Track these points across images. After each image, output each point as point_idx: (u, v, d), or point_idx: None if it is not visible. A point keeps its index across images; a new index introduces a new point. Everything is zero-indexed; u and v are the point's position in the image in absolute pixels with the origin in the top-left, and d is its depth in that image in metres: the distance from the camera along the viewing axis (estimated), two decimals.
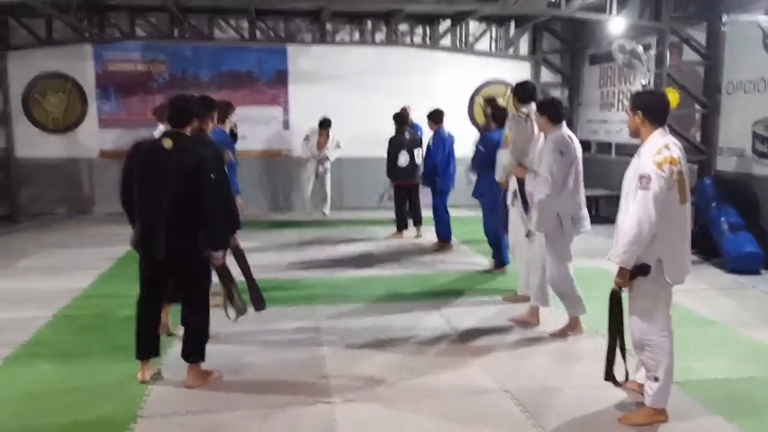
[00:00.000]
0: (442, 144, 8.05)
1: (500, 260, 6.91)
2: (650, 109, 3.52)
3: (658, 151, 3.37)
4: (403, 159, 8.56)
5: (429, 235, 8.66)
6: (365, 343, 4.84)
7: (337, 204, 11.19)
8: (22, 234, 9.28)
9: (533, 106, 5.62)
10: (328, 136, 10.46)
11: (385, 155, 8.80)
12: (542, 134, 5.03)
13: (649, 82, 8.14)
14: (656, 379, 3.55)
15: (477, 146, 6.86)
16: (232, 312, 4.33)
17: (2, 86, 10.42)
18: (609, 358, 3.70)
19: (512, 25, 11.52)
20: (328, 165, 10.57)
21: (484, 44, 11.63)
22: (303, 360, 4.51)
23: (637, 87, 9.79)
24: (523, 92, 5.79)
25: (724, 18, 6.68)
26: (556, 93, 11.93)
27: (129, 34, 10.74)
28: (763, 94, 7.37)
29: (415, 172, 8.68)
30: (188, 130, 4.02)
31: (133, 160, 3.95)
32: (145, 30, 10.85)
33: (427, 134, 8.57)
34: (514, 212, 5.76)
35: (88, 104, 10.89)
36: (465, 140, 9.19)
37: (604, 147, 10.90)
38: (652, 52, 7.99)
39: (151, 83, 11.04)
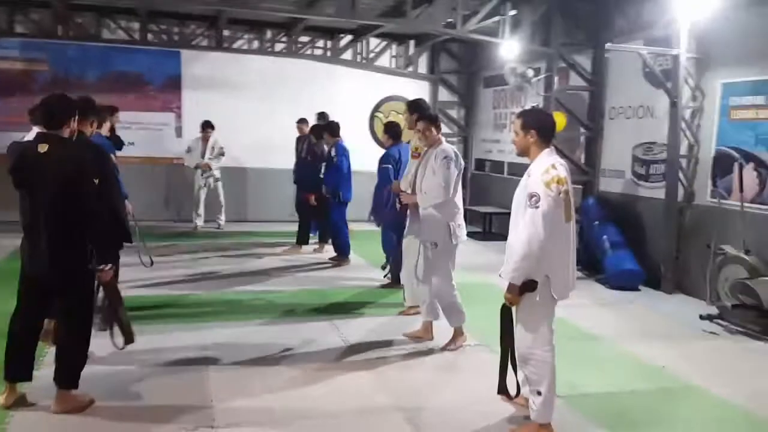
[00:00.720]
0: (346, 155, 7.98)
1: (397, 276, 6.89)
2: (543, 128, 3.59)
3: (546, 170, 3.44)
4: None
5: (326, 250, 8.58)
6: (254, 363, 4.64)
7: (240, 216, 10.89)
8: None
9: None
10: (207, 141, 10.14)
11: (288, 166, 8.72)
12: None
13: (538, 105, 8.46)
14: (539, 393, 3.60)
15: (381, 165, 6.81)
16: (119, 338, 3.99)
17: None
18: (501, 372, 3.73)
19: (412, 43, 11.70)
20: (217, 174, 10.23)
21: (384, 61, 11.72)
22: (186, 383, 4.25)
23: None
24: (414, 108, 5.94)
25: (607, 45, 7.07)
26: (453, 112, 12.23)
27: (7, 31, 9.95)
28: (643, 120, 7.87)
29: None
30: (66, 132, 3.70)
31: (10, 167, 3.60)
32: (25, 27, 10.10)
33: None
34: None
35: None
36: (366, 153, 9.21)
37: (497, 166, 11.26)
38: (542, 76, 8.32)
39: (30, 84, 10.28)
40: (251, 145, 10.92)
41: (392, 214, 6.60)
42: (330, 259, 8.19)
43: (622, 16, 8.06)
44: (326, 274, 7.60)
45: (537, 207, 3.37)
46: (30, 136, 6.51)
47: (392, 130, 6.99)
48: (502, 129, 11.09)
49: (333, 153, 8.03)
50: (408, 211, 5.34)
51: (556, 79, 8.26)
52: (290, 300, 6.35)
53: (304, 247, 8.87)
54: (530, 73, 7.88)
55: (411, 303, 5.78)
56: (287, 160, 9.54)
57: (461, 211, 5.09)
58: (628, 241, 7.71)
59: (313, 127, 8.93)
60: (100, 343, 4.13)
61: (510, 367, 3.74)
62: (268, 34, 11.10)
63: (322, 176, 8.38)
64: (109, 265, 3.73)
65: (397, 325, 5.61)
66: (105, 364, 4.37)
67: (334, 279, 7.35)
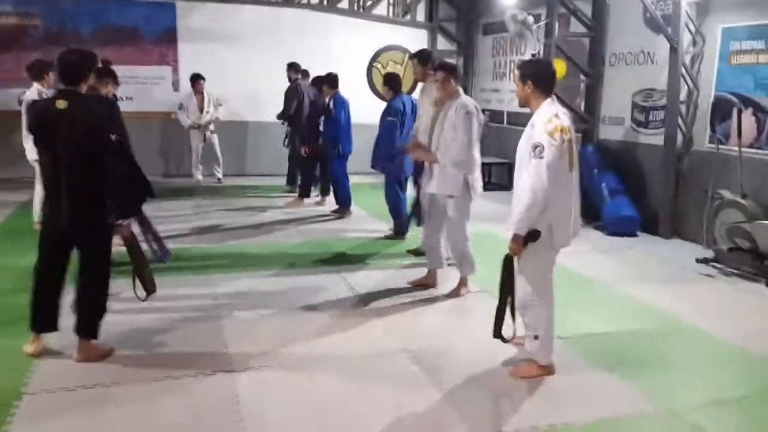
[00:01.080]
0: (344, 108, 7.99)
1: (400, 229, 7.01)
2: (540, 78, 3.60)
3: (549, 120, 3.46)
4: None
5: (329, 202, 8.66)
6: (265, 311, 4.78)
7: (236, 170, 10.93)
8: None
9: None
10: (203, 96, 10.11)
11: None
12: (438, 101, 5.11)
13: (538, 52, 8.43)
14: (536, 338, 3.75)
15: (386, 118, 6.80)
16: (140, 291, 4.11)
17: None
18: (498, 318, 3.82)
19: None
20: (212, 127, 10.23)
21: (381, 9, 11.57)
22: (200, 330, 4.40)
23: (527, 57, 10.13)
24: (426, 58, 5.94)
25: None
26: (452, 61, 12.11)
27: None
28: (643, 66, 7.85)
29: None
30: (83, 88, 3.74)
31: (29, 124, 3.66)
32: None
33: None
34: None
35: None
36: (365, 106, 9.21)
37: (497, 115, 11.24)
38: (542, 22, 8.25)
39: (23, 38, 10.16)
40: (246, 97, 10.86)
41: (397, 167, 6.73)
42: (332, 211, 8.27)
43: None
44: (329, 226, 7.69)
45: (541, 157, 3.41)
46: (31, 92, 6.55)
47: (392, 82, 6.97)
48: (502, 78, 11.04)
49: (331, 105, 8.03)
50: (425, 166, 5.25)
51: (556, 25, 8.18)
52: (296, 251, 6.47)
53: (306, 200, 8.95)
54: (531, 19, 7.81)
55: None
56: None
57: (479, 164, 5.01)
58: (627, 189, 7.81)
59: (315, 78, 8.86)
60: (114, 297, 4.26)
61: (509, 313, 3.82)
62: None
63: (321, 129, 8.43)
64: (128, 221, 3.84)
65: (403, 274, 5.74)
66: (122, 314, 4.49)
67: (337, 231, 7.45)
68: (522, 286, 3.74)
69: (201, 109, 10.10)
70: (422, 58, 6.06)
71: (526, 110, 3.75)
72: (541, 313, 3.72)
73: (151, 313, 4.61)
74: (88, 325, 3.85)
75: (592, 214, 7.95)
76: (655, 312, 5.01)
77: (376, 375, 3.81)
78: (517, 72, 3.69)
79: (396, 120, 6.70)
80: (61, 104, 3.57)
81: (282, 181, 10.07)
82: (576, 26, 8.68)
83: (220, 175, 10.48)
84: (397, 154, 6.64)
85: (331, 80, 8.12)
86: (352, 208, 8.26)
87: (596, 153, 8.29)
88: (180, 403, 3.41)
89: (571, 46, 8.65)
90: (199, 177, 10.39)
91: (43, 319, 3.86)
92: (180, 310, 4.75)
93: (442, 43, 11.95)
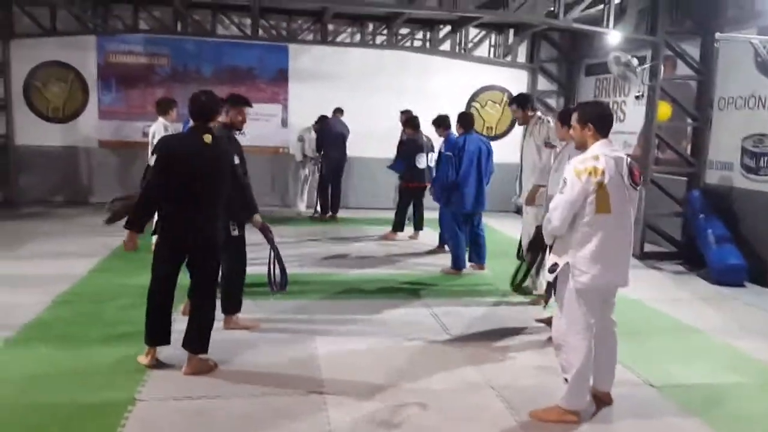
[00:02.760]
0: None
1: (456, 264, 7.10)
2: (599, 121, 3.63)
3: (585, 159, 3.54)
4: (422, 161, 8.69)
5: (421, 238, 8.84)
6: (358, 339, 4.97)
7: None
8: (21, 221, 9.38)
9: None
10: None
11: (385, 155, 9.09)
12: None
13: (642, 94, 8.31)
14: (566, 381, 3.68)
15: (444, 152, 7.22)
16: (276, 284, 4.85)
17: (4, 74, 10.50)
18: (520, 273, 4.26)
19: (511, 32, 11.69)
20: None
21: (482, 51, 11.80)
22: (297, 352, 4.64)
23: (631, 98, 10.00)
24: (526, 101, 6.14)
25: (717, 35, 6.87)
26: (552, 102, 12.13)
27: (132, 27, 10.84)
28: (754, 111, 7.56)
29: (429, 175, 8.82)
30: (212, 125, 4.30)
31: (166, 155, 4.06)
32: (148, 23, 10.95)
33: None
34: (532, 211, 5.85)
35: (89, 95, 11.00)
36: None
37: None
38: (647, 65, 8.15)
39: (152, 76, 11.15)
40: (354, 135, 11.29)
41: (455, 203, 7.02)
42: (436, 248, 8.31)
43: (734, 4, 7.77)
44: (422, 260, 7.84)
45: (562, 192, 3.53)
46: (157, 125, 7.22)
47: (465, 120, 7.25)
48: None
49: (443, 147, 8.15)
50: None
51: (662, 67, 8.05)
52: (388, 282, 6.67)
53: (400, 234, 9.18)
54: (635, 62, 7.73)
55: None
56: (385, 149, 9.87)
57: None
58: (735, 236, 7.48)
59: (410, 117, 9.14)
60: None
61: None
62: (370, 27, 11.44)
63: (420, 166, 8.70)
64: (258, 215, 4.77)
65: (494, 313, 5.79)
66: (224, 331, 4.83)
67: (428, 264, 7.58)
68: (556, 324, 3.74)
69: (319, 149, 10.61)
70: (521, 101, 6.21)
71: (626, 151, 3.76)
72: (574, 356, 3.63)
73: (251, 332, 4.94)
74: (198, 340, 4.19)
75: (695, 261, 7.67)
76: (757, 365, 4.77)
77: (467, 412, 3.86)
78: (575, 114, 3.74)
79: (451, 155, 6.99)
80: (207, 139, 4.10)
81: (379, 214, 10.37)
82: (682, 69, 8.51)
83: (319, 207, 10.90)
84: (453, 189, 6.92)
85: (442, 122, 8.25)
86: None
87: (702, 198, 8.01)
88: (276, 421, 3.62)
89: (677, 88, 8.47)
90: (302, 209, 10.88)
91: (157, 333, 4.23)
92: (278, 331, 5.04)
93: (543, 84, 11.99)
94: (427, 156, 8.73)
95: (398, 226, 9.20)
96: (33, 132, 10.78)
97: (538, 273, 4.14)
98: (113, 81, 11.08)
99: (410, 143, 8.89)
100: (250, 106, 5.07)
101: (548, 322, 5.14)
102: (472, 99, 11.98)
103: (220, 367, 4.28)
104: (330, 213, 10.49)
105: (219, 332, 4.74)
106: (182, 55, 11.16)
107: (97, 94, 11.04)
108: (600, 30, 8.67)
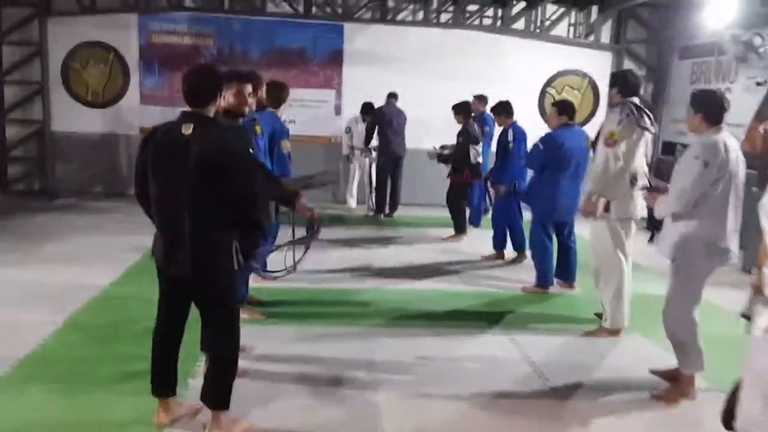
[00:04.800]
0: (524, 140, 7.00)
1: (542, 281, 5.99)
2: (709, 111, 3.70)
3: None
4: (474, 154, 7.61)
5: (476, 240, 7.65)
6: (434, 388, 3.91)
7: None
8: (53, 214, 8.63)
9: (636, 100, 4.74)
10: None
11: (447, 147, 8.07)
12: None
13: (765, 81, 6.95)
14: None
15: (537, 143, 5.96)
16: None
17: (41, 54, 9.79)
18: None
19: (594, 9, 10.35)
20: (374, 155, 9.65)
21: (561, 30, 10.49)
22: (353, 404, 3.64)
23: (739, 85, 8.62)
24: (625, 83, 4.83)
25: None
26: (640, 88, 10.74)
27: (176, 5, 9.99)
28: None
29: (482, 170, 7.85)
30: (211, 111, 3.13)
31: (145, 149, 3.11)
32: (193, 0, 10.08)
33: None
34: (600, 226, 4.75)
35: (130, 77, 10.20)
36: (535, 135, 8.17)
37: None
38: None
39: (197, 58, 10.25)
40: (409, 123, 10.21)
41: (543, 208, 5.91)
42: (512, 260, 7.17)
43: None
44: (494, 273, 6.71)
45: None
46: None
47: (566, 109, 5.98)
48: None
49: (509, 137, 7.03)
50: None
51: None
52: (458, 303, 5.58)
53: (464, 236, 8.10)
54: (758, 40, 6.41)
55: (612, 325, 4.80)
56: (447, 140, 8.67)
57: (727, 228, 3.70)
58: None
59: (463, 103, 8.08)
60: (250, 357, 3.60)
61: None
62: (434, 3, 10.28)
63: (474, 161, 7.68)
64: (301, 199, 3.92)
65: (586, 344, 4.67)
66: (259, 378, 3.85)
67: (503, 279, 6.45)
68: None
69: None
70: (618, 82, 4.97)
71: None
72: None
73: (291, 375, 3.94)
74: (214, 394, 3.19)
75: None
76: None
77: None
78: (690, 101, 3.78)
79: (543, 148, 5.87)
80: (186, 130, 2.99)
81: (439, 213, 9.26)
82: None
83: (372, 204, 9.89)
84: (544, 193, 5.86)
85: (507, 108, 7.18)
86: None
87: None
88: None
89: None
90: (353, 204, 9.89)
91: (160, 381, 3.29)
92: (326, 373, 4.02)
93: (630, 67, 10.59)
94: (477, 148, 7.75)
95: (461, 226, 8.12)
96: (70, 117, 10.04)
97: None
98: (156, 63, 10.23)
99: (463, 133, 7.82)
100: (250, 81, 3.94)
101: (666, 376, 4.06)
102: (548, 84, 10.68)
103: (256, 426, 3.30)
104: (387, 212, 9.45)
105: (252, 375, 3.78)
106: (229, 35, 10.22)
107: (138, 77, 10.22)
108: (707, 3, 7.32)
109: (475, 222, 8.71)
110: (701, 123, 3.73)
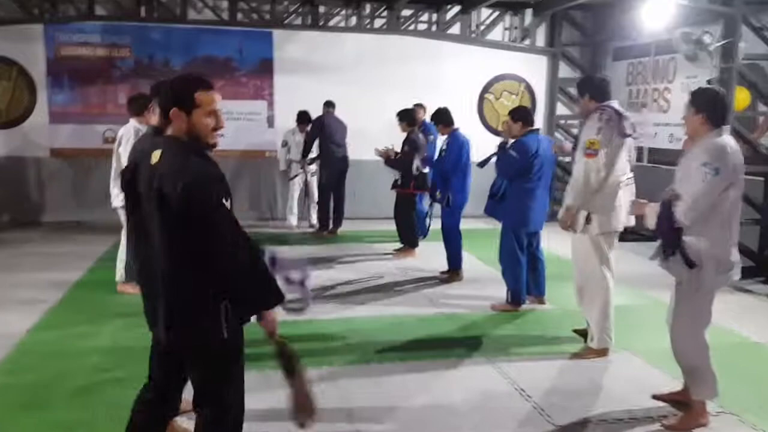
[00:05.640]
0: (465, 149, 6.62)
1: (514, 297, 5.63)
2: (713, 110, 3.40)
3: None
4: (416, 164, 7.22)
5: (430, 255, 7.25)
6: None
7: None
8: None
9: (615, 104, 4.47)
10: (304, 133, 9.04)
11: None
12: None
13: (713, 80, 6.89)
14: None
15: (509, 151, 5.54)
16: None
17: None
18: None
19: (528, 12, 10.22)
20: (313, 167, 9.11)
21: (496, 34, 10.30)
22: None
23: (677, 85, 8.66)
24: (595, 87, 4.55)
25: None
26: (574, 91, 10.69)
27: (87, 14, 9.09)
28: None
29: (427, 180, 7.46)
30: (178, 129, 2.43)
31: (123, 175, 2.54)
32: (106, 8, 9.23)
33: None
34: (582, 240, 4.44)
35: (38, 94, 9.24)
36: (474, 142, 7.84)
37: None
38: (720, 43, 6.73)
39: (112, 71, 9.43)
40: (351, 134, 9.74)
41: (514, 217, 5.47)
42: (441, 273, 6.76)
43: None
44: (460, 291, 6.29)
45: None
46: (126, 129, 5.53)
47: (524, 115, 5.64)
48: (640, 109, 9.50)
49: (444, 146, 6.67)
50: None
51: (741, 46, 6.64)
52: (431, 329, 5.13)
53: (417, 250, 7.69)
54: (707, 39, 6.33)
55: (598, 345, 4.49)
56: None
57: (733, 240, 3.44)
58: None
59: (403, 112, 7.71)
60: None
61: None
62: (368, 8, 9.85)
63: (416, 171, 7.31)
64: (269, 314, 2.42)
65: (584, 370, 4.32)
66: None
67: (471, 298, 6.04)
68: None
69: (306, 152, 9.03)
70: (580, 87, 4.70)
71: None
72: None
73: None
74: None
75: None
76: None
77: None
78: (688, 100, 3.49)
79: (515, 155, 5.44)
80: (155, 157, 2.36)
81: (382, 226, 8.86)
82: (754, 47, 7.10)
83: (314, 221, 9.36)
84: (518, 203, 5.49)
85: (446, 116, 6.80)
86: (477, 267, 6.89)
87: None
88: None
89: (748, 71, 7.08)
90: (294, 222, 9.30)
91: None
92: None
93: (565, 71, 10.54)
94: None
95: (413, 241, 7.70)
96: None
97: None
98: (66, 77, 9.31)
99: (410, 143, 7.40)
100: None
101: (670, 400, 3.82)
102: (485, 90, 10.47)
103: None
104: (331, 228, 8.92)
105: None
106: (147, 44, 9.44)
107: (46, 93, 9.27)
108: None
109: (423, 231, 8.21)
110: (703, 124, 3.43)
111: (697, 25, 7.33)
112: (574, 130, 10.64)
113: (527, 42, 10.29)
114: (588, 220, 4.36)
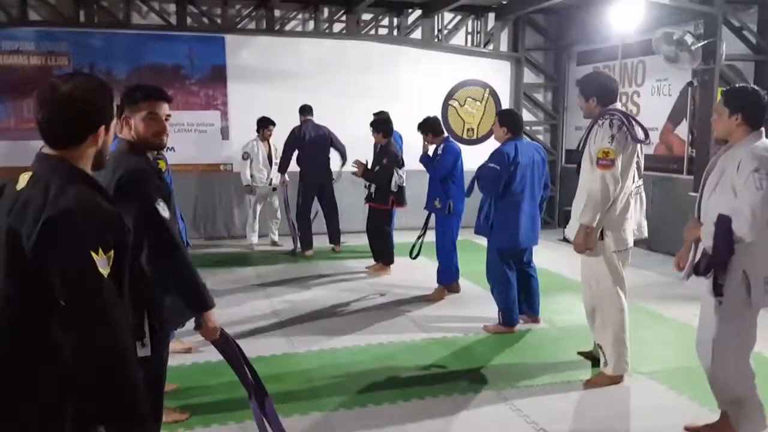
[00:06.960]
0: (459, 158, 6.21)
1: (506, 318, 5.22)
2: (751, 109, 3.08)
3: None
4: (396, 179, 6.78)
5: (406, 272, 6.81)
6: None
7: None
8: None
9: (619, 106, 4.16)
10: (269, 144, 8.47)
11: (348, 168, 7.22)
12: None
13: (691, 82, 6.69)
14: None
15: (488, 164, 5.10)
16: None
17: None
18: None
19: (491, 17, 9.93)
20: (276, 182, 8.52)
21: (459, 39, 9.97)
22: None
23: (646, 89, 8.53)
24: (602, 89, 4.18)
25: None
26: (539, 96, 10.49)
27: (20, 19, 8.30)
28: None
29: (405, 194, 7.05)
30: (83, 154, 1.79)
31: None
32: (40, 13, 8.45)
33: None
34: (595, 260, 4.06)
35: None
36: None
37: None
38: (701, 43, 6.53)
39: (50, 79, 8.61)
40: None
41: (501, 236, 5.07)
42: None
43: None
44: (447, 312, 5.83)
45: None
46: None
47: (512, 120, 5.23)
48: None
49: (439, 153, 6.27)
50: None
51: (723, 46, 6.45)
52: (425, 358, 4.64)
53: (392, 267, 7.22)
54: (689, 39, 6.11)
55: (615, 372, 4.11)
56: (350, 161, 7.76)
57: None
58: None
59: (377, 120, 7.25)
60: None
61: None
62: (326, 12, 9.37)
63: (395, 187, 6.90)
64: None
65: (596, 401, 3.92)
66: None
67: (460, 319, 5.60)
68: None
69: (269, 160, 8.43)
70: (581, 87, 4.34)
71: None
72: None
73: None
74: None
75: None
76: None
77: None
78: (721, 99, 3.19)
79: (495, 167, 5.01)
80: (22, 181, 1.77)
81: (350, 240, 8.40)
82: (733, 48, 6.94)
83: (276, 237, 8.79)
84: (502, 217, 5.09)
85: (435, 126, 6.41)
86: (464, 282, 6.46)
87: None
88: None
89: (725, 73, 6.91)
90: (255, 240, 8.68)
91: None
92: None
93: (529, 76, 10.29)
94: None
95: (390, 257, 7.23)
96: None
97: None
98: None
99: (386, 154, 6.94)
100: (166, 99, 2.76)
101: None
102: (450, 96, 10.10)
103: None
104: (300, 248, 8.25)
105: None
106: (88, 51, 8.67)
107: None
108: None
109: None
110: (740, 126, 3.08)
111: (672, 25, 7.15)
112: (540, 137, 10.41)
113: (491, 47, 10.00)
114: (601, 236, 3.98)
